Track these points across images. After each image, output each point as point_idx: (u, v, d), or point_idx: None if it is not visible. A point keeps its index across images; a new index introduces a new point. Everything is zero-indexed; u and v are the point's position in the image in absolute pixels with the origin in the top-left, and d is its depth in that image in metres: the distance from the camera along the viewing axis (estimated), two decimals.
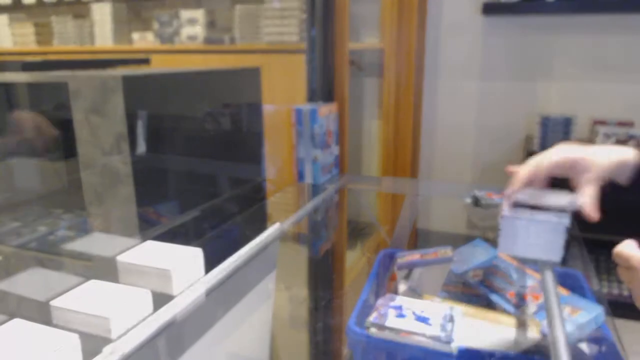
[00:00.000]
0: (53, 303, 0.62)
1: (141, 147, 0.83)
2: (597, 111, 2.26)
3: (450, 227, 1.42)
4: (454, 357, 0.69)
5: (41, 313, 0.64)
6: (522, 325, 0.79)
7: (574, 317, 0.81)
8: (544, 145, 2.10)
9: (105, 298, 0.64)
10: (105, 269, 0.79)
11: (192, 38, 2.88)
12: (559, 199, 0.74)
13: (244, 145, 1.22)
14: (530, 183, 0.74)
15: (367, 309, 0.80)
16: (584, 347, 0.80)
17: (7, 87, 1.06)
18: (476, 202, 1.25)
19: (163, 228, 0.91)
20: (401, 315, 0.73)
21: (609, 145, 0.73)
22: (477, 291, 0.92)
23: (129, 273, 0.72)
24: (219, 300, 0.78)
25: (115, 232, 0.86)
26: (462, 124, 2.53)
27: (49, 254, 0.90)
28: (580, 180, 0.70)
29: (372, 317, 0.72)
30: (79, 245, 0.91)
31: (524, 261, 0.97)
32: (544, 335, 0.77)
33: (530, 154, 2.10)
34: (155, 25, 2.96)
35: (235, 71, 1.21)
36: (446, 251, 0.88)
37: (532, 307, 0.87)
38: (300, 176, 1.43)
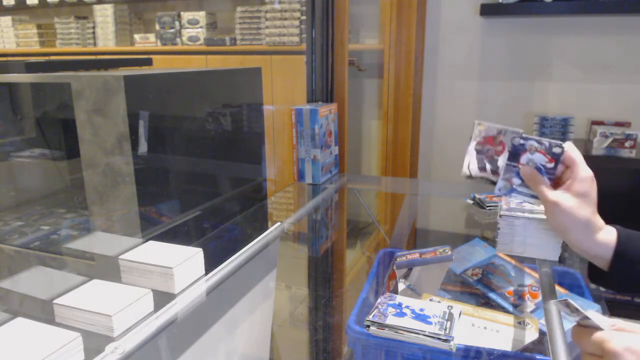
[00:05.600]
0: (56, 302, 0.63)
1: (143, 147, 0.84)
2: (594, 111, 2.26)
3: (449, 226, 1.42)
4: (452, 355, 0.69)
5: (44, 311, 0.64)
6: (520, 323, 0.79)
7: None
8: None
9: (107, 297, 0.64)
10: (108, 268, 0.79)
11: (193, 39, 2.89)
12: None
13: (244, 145, 1.23)
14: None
15: (367, 307, 0.81)
16: None
17: (11, 87, 1.07)
18: (477, 202, 1.26)
19: (164, 227, 0.92)
20: (400, 314, 0.73)
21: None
22: (475, 290, 0.93)
23: (131, 272, 0.73)
24: (219, 298, 0.79)
25: (117, 231, 0.86)
26: (461, 124, 2.54)
27: (51, 253, 0.90)
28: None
29: (372, 316, 0.73)
30: (82, 244, 0.91)
31: (522, 260, 0.97)
32: (542, 334, 0.78)
33: None
34: (157, 27, 2.97)
35: (236, 71, 1.22)
36: (445, 250, 0.89)
37: (530, 305, 0.88)
38: (301, 176, 1.44)
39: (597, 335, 0.51)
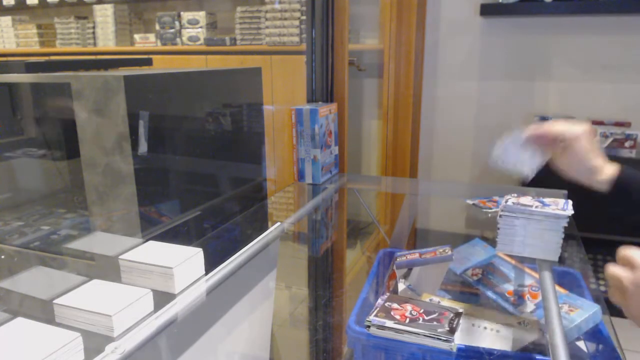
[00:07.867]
0: (56, 302, 0.63)
1: (143, 147, 0.84)
2: (594, 111, 2.26)
3: (449, 226, 1.42)
4: (453, 355, 0.70)
5: (44, 311, 0.64)
6: (520, 323, 0.79)
7: (572, 316, 0.81)
8: None
9: (107, 297, 0.64)
10: (108, 268, 0.79)
11: (193, 39, 2.89)
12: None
13: (244, 145, 1.23)
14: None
15: (367, 307, 0.81)
16: (582, 345, 0.81)
17: (11, 87, 1.07)
18: (477, 206, 1.26)
19: (164, 227, 0.92)
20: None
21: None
22: (475, 290, 0.93)
23: (131, 272, 0.73)
24: (219, 298, 0.79)
25: (117, 231, 0.86)
26: (461, 123, 2.54)
27: (51, 253, 0.90)
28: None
29: (372, 316, 0.73)
30: (82, 244, 0.91)
31: (522, 260, 0.97)
32: (542, 334, 0.78)
33: None
34: (157, 27, 2.97)
35: (236, 71, 1.22)
36: (445, 250, 0.89)
37: (530, 305, 0.88)
38: (301, 176, 1.44)
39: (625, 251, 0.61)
